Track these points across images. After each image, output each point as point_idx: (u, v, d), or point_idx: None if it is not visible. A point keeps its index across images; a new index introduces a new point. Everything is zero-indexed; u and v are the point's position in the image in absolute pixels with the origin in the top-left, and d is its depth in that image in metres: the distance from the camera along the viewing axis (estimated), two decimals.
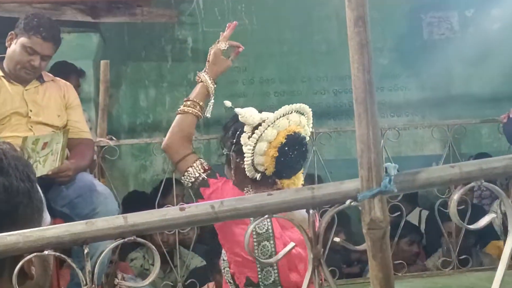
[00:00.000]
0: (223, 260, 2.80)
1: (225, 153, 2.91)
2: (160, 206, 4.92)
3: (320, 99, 7.28)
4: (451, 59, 7.38)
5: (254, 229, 2.62)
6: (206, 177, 2.84)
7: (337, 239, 1.50)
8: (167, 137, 2.94)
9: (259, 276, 2.68)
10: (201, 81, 2.92)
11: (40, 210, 1.53)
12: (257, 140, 2.69)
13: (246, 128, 2.77)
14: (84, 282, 1.41)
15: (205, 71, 2.97)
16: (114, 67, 5.71)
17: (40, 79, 4.35)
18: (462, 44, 7.40)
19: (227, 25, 3.11)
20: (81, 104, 4.63)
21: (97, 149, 4.83)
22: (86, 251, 1.41)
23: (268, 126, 2.69)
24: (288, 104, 2.81)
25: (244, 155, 2.74)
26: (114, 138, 5.09)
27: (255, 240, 2.66)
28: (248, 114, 2.78)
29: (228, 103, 2.84)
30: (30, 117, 4.26)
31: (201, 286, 4.82)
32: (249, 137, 2.74)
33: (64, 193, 4.22)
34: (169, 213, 1.42)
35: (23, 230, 1.41)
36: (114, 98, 6.89)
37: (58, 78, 4.48)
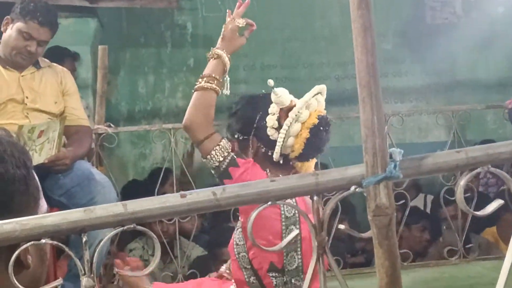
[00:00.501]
0: (237, 244, 2.72)
1: (240, 138, 2.83)
2: (160, 195, 4.90)
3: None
4: (455, 44, 7.32)
5: (283, 213, 2.58)
6: (235, 156, 2.72)
7: (341, 226, 1.47)
8: (189, 114, 2.76)
9: (284, 261, 2.63)
10: (216, 58, 2.79)
11: (37, 197, 1.51)
12: (294, 122, 2.64)
13: (272, 110, 2.70)
14: (83, 271, 1.38)
15: (218, 48, 2.85)
16: (113, 53, 5.67)
17: (37, 65, 4.30)
18: (466, 28, 7.35)
19: (238, 2, 3.00)
20: (79, 91, 4.58)
21: (95, 137, 4.79)
22: (84, 239, 1.38)
23: (303, 107, 2.65)
24: (290, 91, 2.78)
25: (270, 137, 2.68)
26: (112, 125, 5.06)
27: (283, 223, 2.60)
28: (285, 95, 2.72)
29: (271, 82, 2.76)
30: (26, 104, 4.21)
31: (202, 277, 4.79)
32: (277, 119, 2.68)
33: (61, 182, 4.17)
34: (170, 200, 1.39)
35: (19, 218, 1.38)
36: (112, 84, 6.85)
37: (55, 64, 4.43)
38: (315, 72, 7.44)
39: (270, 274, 2.64)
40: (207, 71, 2.76)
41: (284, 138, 2.63)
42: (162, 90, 7.32)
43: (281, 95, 2.70)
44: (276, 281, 2.64)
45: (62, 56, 5.56)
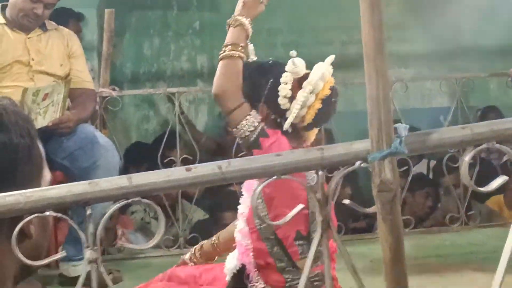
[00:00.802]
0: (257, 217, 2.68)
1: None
2: (163, 159, 4.90)
3: (327, 50, 7.15)
4: (459, 10, 7.25)
5: (308, 183, 2.57)
6: (265, 127, 2.67)
7: (346, 201, 1.46)
8: (218, 83, 2.65)
9: (310, 228, 2.63)
10: (238, 25, 2.73)
11: (40, 166, 1.50)
12: (311, 92, 2.63)
13: (285, 79, 2.68)
14: (86, 244, 1.38)
15: (239, 15, 2.79)
16: (118, 15, 5.62)
17: (43, 27, 4.29)
18: None
19: None
20: (84, 53, 4.57)
21: (99, 100, 4.78)
22: (88, 212, 1.38)
23: (319, 78, 2.64)
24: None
25: (281, 106, 2.66)
26: (117, 89, 5.04)
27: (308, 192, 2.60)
28: (301, 65, 2.69)
29: (294, 53, 2.72)
30: (32, 66, 4.22)
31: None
32: (291, 89, 2.66)
33: (65, 145, 4.18)
34: (175, 173, 1.39)
35: (23, 189, 1.38)
36: (117, 47, 6.81)
37: (61, 27, 4.42)
38: (320, 37, 7.39)
39: (297, 243, 2.63)
40: (230, 39, 2.68)
41: (299, 109, 2.62)
42: (167, 53, 7.28)
43: (299, 66, 2.68)
44: (301, 249, 2.63)
45: (66, 17, 5.53)
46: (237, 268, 2.67)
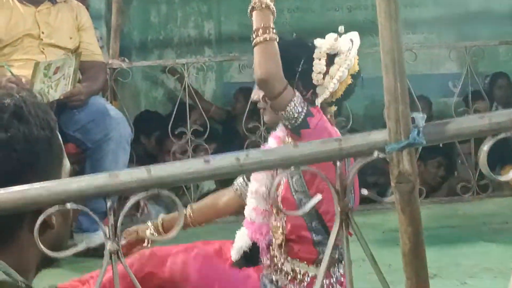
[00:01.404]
0: (296, 191, 2.65)
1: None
2: (174, 130, 4.92)
3: (334, 16, 7.13)
4: None
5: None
6: (309, 106, 2.65)
7: (364, 191, 1.47)
8: (262, 67, 2.57)
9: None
10: (263, 7, 2.68)
11: (61, 157, 1.52)
12: (346, 68, 2.63)
13: (318, 55, 2.66)
14: (107, 235, 1.39)
15: None
16: None
17: (52, 0, 4.29)
18: None
19: None
20: (92, 23, 4.57)
21: (109, 72, 4.78)
22: (109, 204, 1.39)
23: (354, 54, 2.64)
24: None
25: (315, 82, 2.65)
26: (127, 60, 5.04)
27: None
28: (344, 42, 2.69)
29: (342, 29, 2.71)
30: (42, 39, 4.23)
31: None
32: (326, 65, 2.65)
33: (76, 118, 4.21)
34: (194, 165, 1.40)
35: (44, 182, 1.39)
36: (125, 14, 6.78)
37: None
38: (327, 3, 7.34)
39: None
40: (259, 22, 2.60)
41: (336, 84, 2.63)
42: (175, 19, 7.26)
43: (338, 42, 2.66)
44: None
45: None
46: (249, 246, 2.68)
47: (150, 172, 1.39)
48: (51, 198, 1.36)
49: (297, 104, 2.58)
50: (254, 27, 2.59)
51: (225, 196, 2.88)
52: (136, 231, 2.85)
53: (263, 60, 2.57)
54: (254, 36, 2.58)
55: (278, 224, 2.71)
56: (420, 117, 1.40)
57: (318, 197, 1.43)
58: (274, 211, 2.71)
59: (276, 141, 2.76)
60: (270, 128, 2.92)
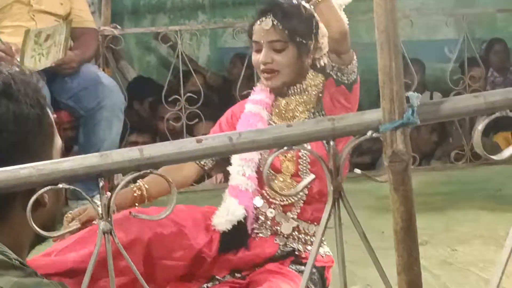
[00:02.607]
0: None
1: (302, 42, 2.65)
2: (167, 97, 4.90)
3: None
4: None
5: None
6: None
7: (357, 171, 1.47)
8: (339, 19, 2.55)
9: None
10: None
11: (51, 135, 1.51)
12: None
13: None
14: (100, 215, 1.39)
15: None
16: None
17: None
18: None
19: None
20: None
21: (101, 39, 4.74)
22: (101, 184, 1.39)
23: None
24: None
25: (322, 45, 2.66)
26: (118, 27, 5.00)
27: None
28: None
29: None
30: (32, 6, 4.19)
31: (209, 179, 4.82)
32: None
33: (69, 86, 4.19)
34: (186, 145, 1.39)
35: (35, 159, 1.38)
36: None
37: None
38: None
39: None
40: None
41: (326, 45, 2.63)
42: None
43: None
44: None
45: None
46: (244, 216, 2.65)
47: (142, 152, 1.38)
48: (43, 179, 1.35)
49: (355, 61, 2.61)
50: None
51: (184, 168, 2.71)
52: (85, 210, 2.64)
53: (337, 15, 2.55)
54: None
55: (285, 188, 2.67)
56: (414, 96, 1.39)
57: (312, 176, 1.43)
58: (283, 177, 2.69)
59: (262, 107, 2.72)
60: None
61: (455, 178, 4.88)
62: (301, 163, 2.65)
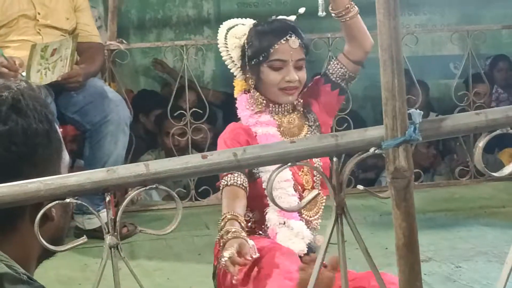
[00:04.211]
0: None
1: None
2: (173, 112, 4.92)
3: None
4: None
5: None
6: None
7: (360, 187, 1.49)
8: (368, 33, 2.70)
9: None
10: None
11: (59, 150, 1.53)
12: None
13: None
14: (106, 230, 1.41)
15: None
16: None
17: None
18: None
19: None
20: (89, 2, 4.55)
21: (107, 53, 4.76)
22: (107, 198, 1.41)
23: None
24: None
25: None
26: (124, 42, 5.02)
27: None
28: None
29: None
30: (38, 20, 4.21)
31: (214, 193, 4.82)
32: None
33: (75, 100, 4.20)
34: (191, 161, 1.41)
35: (43, 173, 1.41)
36: None
37: None
38: None
39: None
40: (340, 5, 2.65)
41: None
42: None
43: None
44: None
45: None
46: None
47: (148, 167, 1.40)
48: (50, 193, 1.37)
49: None
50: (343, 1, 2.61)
51: (240, 196, 2.60)
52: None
53: (366, 29, 2.68)
54: (347, 8, 2.60)
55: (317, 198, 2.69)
56: (417, 113, 1.41)
57: (314, 191, 1.45)
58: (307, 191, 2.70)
59: (275, 128, 2.73)
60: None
61: (459, 195, 4.86)
62: (316, 174, 2.70)
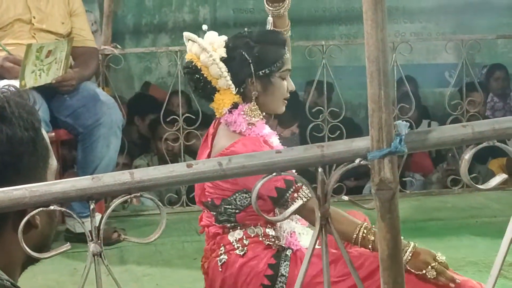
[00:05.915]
0: None
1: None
2: (166, 117, 4.92)
3: (331, 3, 7.08)
4: None
5: None
6: None
7: (345, 197, 1.48)
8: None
9: None
10: None
11: (46, 157, 1.52)
12: None
13: None
14: (90, 237, 1.40)
15: None
16: None
17: None
18: None
19: None
20: (85, 4, 4.56)
21: (101, 58, 4.76)
22: (92, 206, 1.40)
23: None
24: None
25: None
26: (119, 46, 5.02)
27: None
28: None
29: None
30: (33, 24, 4.22)
31: None
32: None
33: (68, 103, 4.21)
34: (176, 169, 1.41)
35: (29, 181, 1.40)
36: None
37: None
38: None
39: None
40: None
41: None
42: (169, 3, 7.22)
43: None
44: None
45: None
46: None
47: (133, 176, 1.40)
48: (35, 200, 1.37)
49: None
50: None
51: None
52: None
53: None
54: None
55: None
56: (403, 125, 1.41)
57: (300, 202, 1.44)
58: None
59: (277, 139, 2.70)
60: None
61: (451, 204, 4.88)
62: None
